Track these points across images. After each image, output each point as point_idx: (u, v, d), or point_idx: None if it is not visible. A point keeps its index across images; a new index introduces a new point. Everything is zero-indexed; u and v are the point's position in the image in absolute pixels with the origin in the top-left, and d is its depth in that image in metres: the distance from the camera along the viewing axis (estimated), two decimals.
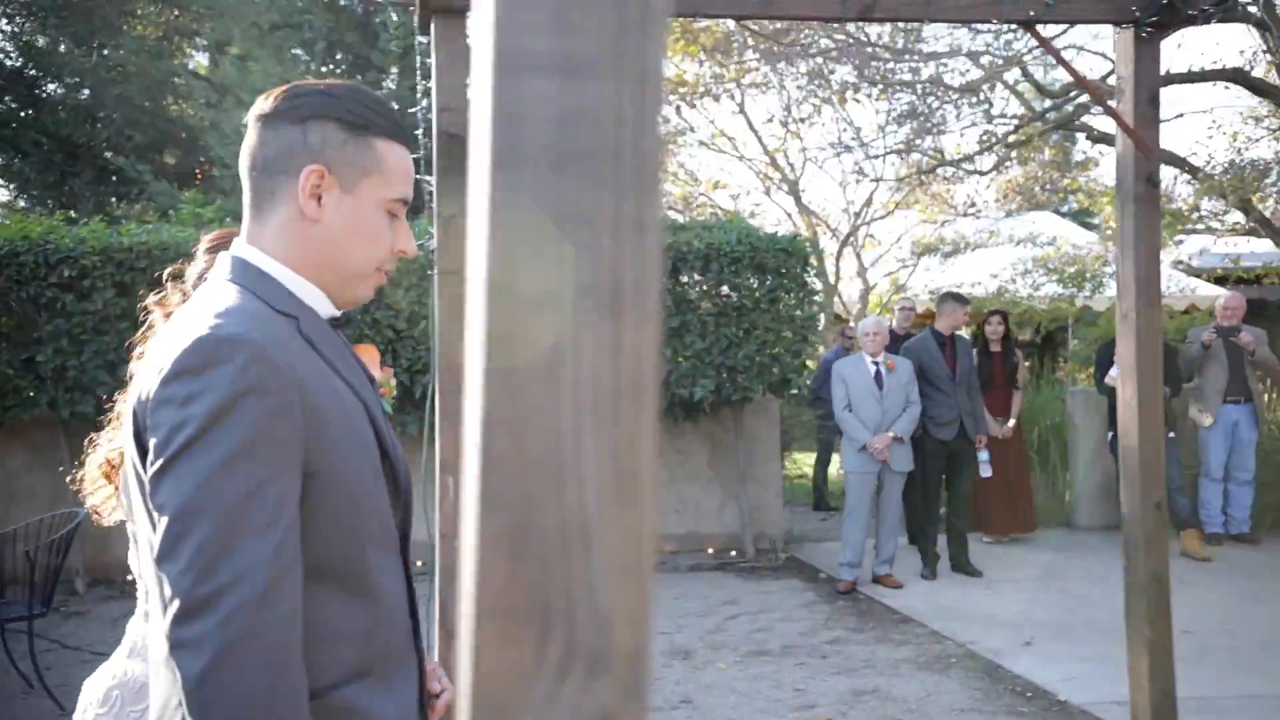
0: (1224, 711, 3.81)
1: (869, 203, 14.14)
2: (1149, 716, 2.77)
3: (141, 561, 1.23)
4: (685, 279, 6.42)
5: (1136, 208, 2.71)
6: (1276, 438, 7.29)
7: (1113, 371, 6.89)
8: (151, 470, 1.07)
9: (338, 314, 1.27)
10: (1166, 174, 12.95)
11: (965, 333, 7.22)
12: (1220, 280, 14.07)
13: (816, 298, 6.77)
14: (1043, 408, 8.13)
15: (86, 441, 1.53)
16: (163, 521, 1.05)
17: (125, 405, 1.19)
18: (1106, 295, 9.10)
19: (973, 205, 14.96)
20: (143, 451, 1.11)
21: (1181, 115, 8.14)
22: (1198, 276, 13.20)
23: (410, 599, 1.28)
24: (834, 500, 8.58)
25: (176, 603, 1.02)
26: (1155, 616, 2.73)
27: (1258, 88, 8.46)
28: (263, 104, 1.25)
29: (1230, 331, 7.00)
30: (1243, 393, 7.04)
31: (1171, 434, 6.87)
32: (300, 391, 1.11)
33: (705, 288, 6.42)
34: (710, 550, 7.21)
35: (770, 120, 13.97)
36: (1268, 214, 10.15)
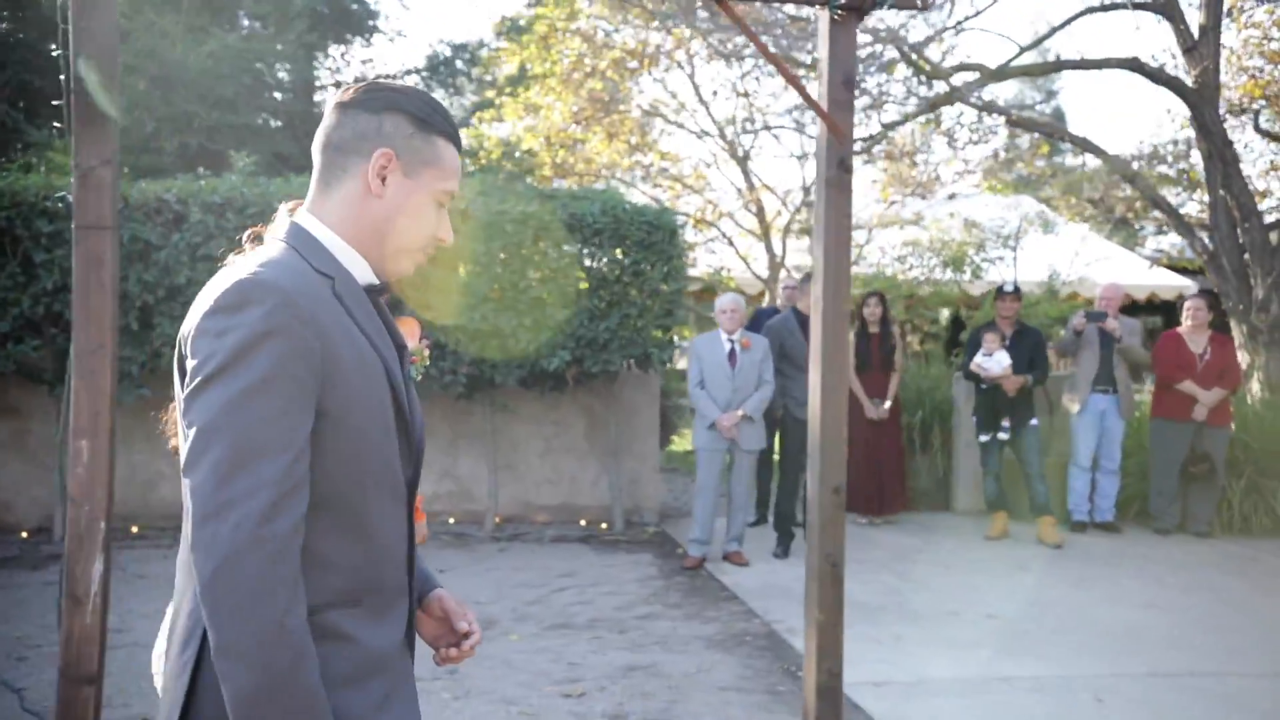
0: (972, 692, 3.83)
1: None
2: (814, 696, 2.77)
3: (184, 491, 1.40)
4: (548, 250, 6.36)
5: (828, 192, 2.68)
6: (1141, 429, 7.31)
7: (977, 357, 6.92)
8: (186, 391, 1.25)
9: (377, 282, 1.42)
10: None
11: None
12: (1172, 268, 14.10)
13: (682, 272, 6.71)
14: (930, 390, 8.14)
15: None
16: (190, 436, 1.23)
17: (177, 342, 1.35)
18: (985, 280, 9.08)
19: (936, 182, 14.80)
20: (184, 375, 1.28)
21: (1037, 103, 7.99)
22: (1168, 267, 13.21)
23: (410, 546, 1.43)
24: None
25: (195, 507, 1.21)
26: (826, 599, 2.73)
27: (1155, 77, 8.40)
28: (342, 94, 1.43)
29: (1099, 318, 7.01)
30: (1110, 382, 7.06)
31: (1034, 421, 6.91)
32: (322, 339, 1.26)
33: (567, 259, 6.36)
34: (583, 522, 7.21)
35: (715, 94, 13.82)
36: (1180, 208, 10.13)
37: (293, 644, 1.21)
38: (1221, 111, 10.34)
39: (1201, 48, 8.93)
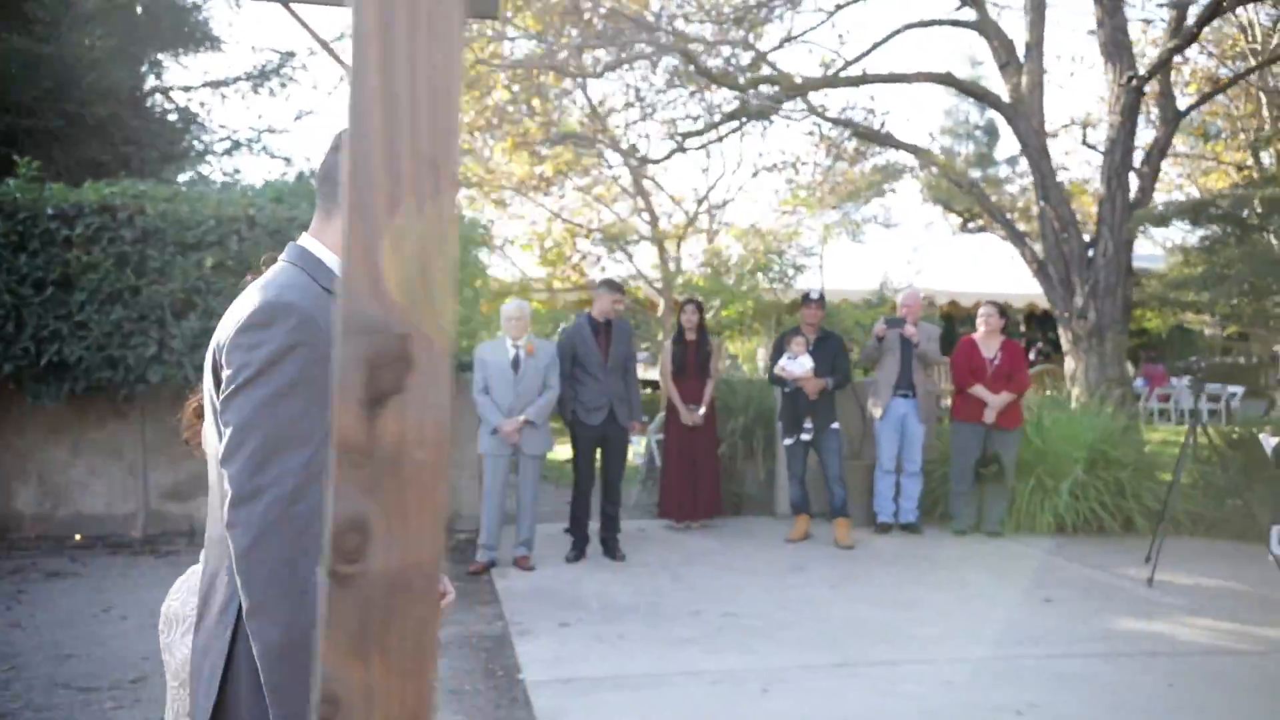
0: (650, 686, 3.91)
1: (719, 180, 14.04)
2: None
3: (210, 477, 1.64)
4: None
5: None
6: (940, 433, 7.52)
7: (781, 361, 7.07)
8: (223, 395, 1.47)
9: None
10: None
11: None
12: None
13: (480, 280, 6.76)
14: (755, 396, 8.28)
15: (190, 392, 1.97)
16: (227, 432, 1.45)
17: (208, 351, 1.61)
18: (795, 287, 9.28)
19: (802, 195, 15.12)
20: (217, 381, 1.50)
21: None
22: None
23: None
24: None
25: (232, 493, 1.42)
26: None
27: (968, 91, 8.69)
28: (334, 139, 1.69)
29: (898, 324, 7.21)
30: (910, 387, 7.26)
31: (835, 425, 7.07)
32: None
33: None
34: None
35: (603, 102, 13.90)
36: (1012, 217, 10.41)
37: (313, 606, 1.36)
38: (1053, 126, 10.69)
39: (1029, 63, 9.28)
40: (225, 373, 1.48)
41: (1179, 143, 12.82)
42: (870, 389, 7.56)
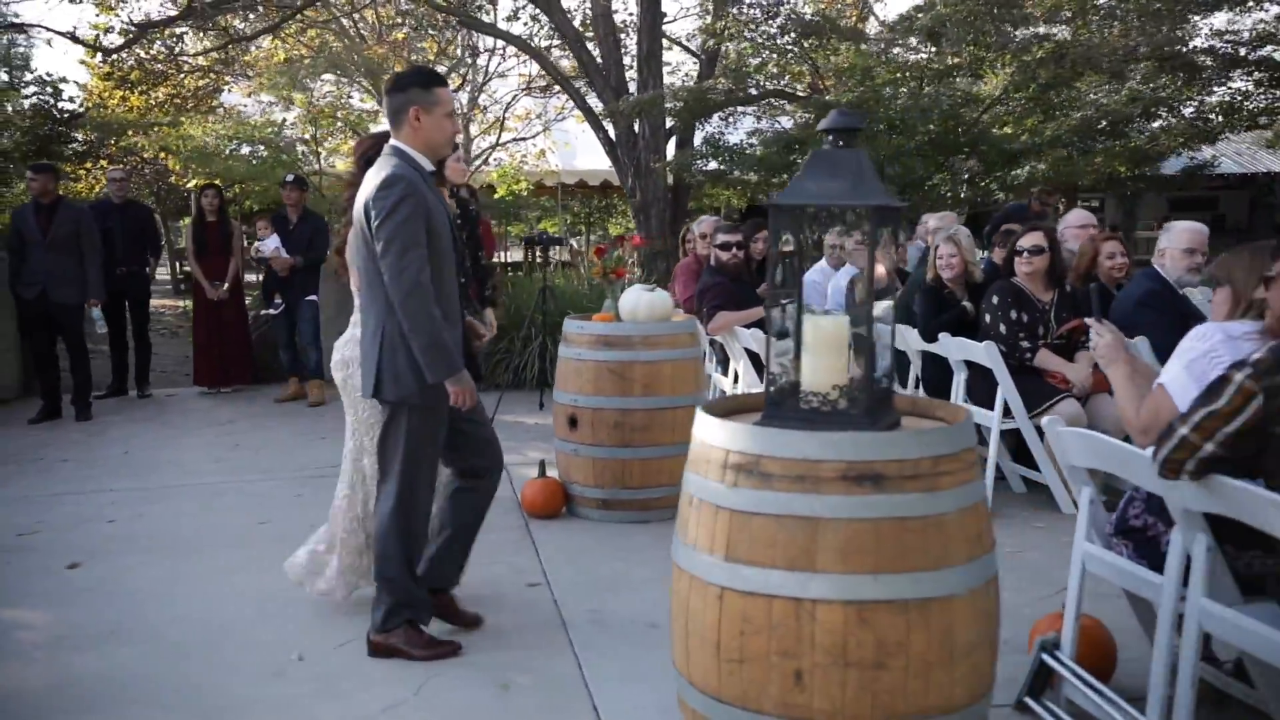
0: None
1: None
2: None
3: (358, 277, 3.09)
4: None
5: None
6: None
7: (258, 244, 7.73)
8: (374, 225, 2.85)
9: (432, 168, 3.03)
10: None
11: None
12: None
13: None
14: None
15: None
16: (380, 243, 2.85)
17: (356, 207, 2.99)
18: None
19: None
20: (368, 219, 2.87)
21: None
22: None
23: (457, 293, 3.07)
24: None
25: (389, 273, 2.84)
26: None
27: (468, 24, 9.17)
28: (387, 83, 3.10)
29: None
30: None
31: (312, 297, 7.83)
32: (424, 199, 2.87)
33: None
34: None
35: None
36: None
37: (441, 324, 2.88)
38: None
39: None
40: (372, 213, 2.83)
41: None
42: None
